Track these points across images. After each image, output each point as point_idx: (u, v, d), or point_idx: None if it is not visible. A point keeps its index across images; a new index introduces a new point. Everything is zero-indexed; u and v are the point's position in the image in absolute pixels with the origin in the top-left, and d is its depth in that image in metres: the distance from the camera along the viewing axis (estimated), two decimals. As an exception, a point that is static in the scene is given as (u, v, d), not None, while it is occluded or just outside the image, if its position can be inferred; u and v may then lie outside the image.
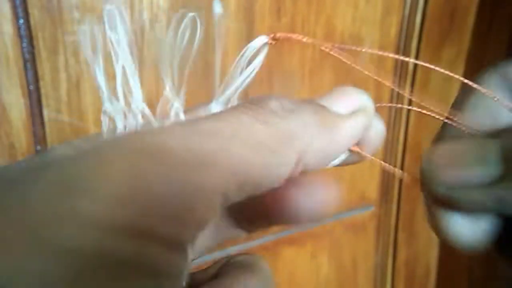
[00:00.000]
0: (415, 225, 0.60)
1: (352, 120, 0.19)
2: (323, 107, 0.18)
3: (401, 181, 0.57)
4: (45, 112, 0.35)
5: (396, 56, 0.21)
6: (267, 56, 0.42)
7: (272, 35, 0.21)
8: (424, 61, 0.22)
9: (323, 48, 0.22)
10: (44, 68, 0.34)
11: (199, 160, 0.14)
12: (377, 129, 0.21)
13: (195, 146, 0.14)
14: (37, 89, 0.35)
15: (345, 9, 0.45)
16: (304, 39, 0.21)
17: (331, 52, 0.22)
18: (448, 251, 0.63)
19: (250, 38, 0.41)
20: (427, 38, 0.51)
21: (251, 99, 0.18)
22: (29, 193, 0.13)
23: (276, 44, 0.21)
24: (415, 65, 0.51)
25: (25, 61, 0.34)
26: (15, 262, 0.12)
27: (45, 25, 0.33)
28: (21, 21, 0.33)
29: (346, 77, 0.48)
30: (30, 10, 0.33)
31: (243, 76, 0.21)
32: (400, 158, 0.56)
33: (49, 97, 0.35)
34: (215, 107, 0.21)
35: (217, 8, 0.20)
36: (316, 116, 0.17)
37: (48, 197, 0.13)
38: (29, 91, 0.35)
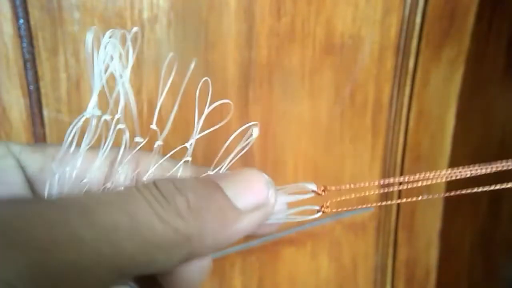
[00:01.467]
0: (415, 225, 0.60)
1: (250, 218, 0.19)
2: (227, 202, 0.19)
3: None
4: (45, 112, 0.35)
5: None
6: (267, 56, 0.42)
7: None
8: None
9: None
10: (44, 68, 0.34)
11: (86, 248, 0.15)
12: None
13: (82, 233, 0.15)
14: (37, 89, 0.35)
15: (345, 9, 0.45)
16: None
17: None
18: (448, 251, 0.63)
19: (250, 38, 0.41)
20: (427, 38, 0.51)
21: (160, 185, 0.17)
22: None
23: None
24: (415, 65, 0.51)
25: (25, 61, 0.34)
26: None
27: (45, 25, 0.33)
28: (21, 21, 0.33)
29: (346, 77, 0.48)
30: (30, 10, 0.33)
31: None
32: (400, 158, 0.56)
33: (49, 97, 0.35)
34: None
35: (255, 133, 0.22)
36: (218, 217, 0.18)
37: None
38: (29, 91, 0.35)
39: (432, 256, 0.63)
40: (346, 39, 0.46)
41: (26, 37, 0.33)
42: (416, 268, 0.62)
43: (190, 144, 0.22)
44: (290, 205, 0.23)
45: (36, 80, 0.34)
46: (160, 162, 0.22)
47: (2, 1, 0.32)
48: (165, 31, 0.37)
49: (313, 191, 0.24)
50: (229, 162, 0.22)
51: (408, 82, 0.52)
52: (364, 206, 0.23)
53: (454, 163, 0.59)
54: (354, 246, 0.56)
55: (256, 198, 0.20)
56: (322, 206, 0.24)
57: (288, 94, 0.45)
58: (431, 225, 0.62)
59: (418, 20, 0.50)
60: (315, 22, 0.44)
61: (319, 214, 0.24)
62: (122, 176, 0.21)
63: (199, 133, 0.22)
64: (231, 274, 0.48)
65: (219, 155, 0.22)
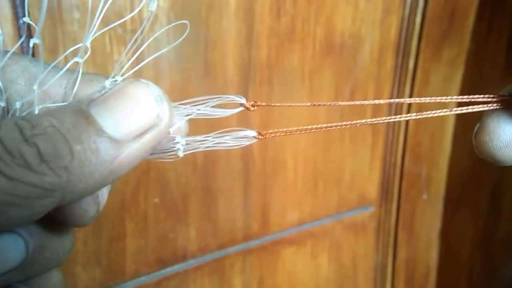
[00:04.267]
0: (415, 225, 0.60)
1: (136, 146, 0.16)
2: (99, 136, 0.15)
3: (401, 181, 0.57)
4: (45, 112, 0.35)
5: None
6: (267, 56, 0.42)
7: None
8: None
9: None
10: (44, 68, 0.34)
11: None
12: (181, 129, 0.19)
13: None
14: (37, 89, 0.35)
15: (345, 9, 0.45)
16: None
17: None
18: (448, 251, 0.63)
19: (250, 38, 0.41)
20: (427, 38, 0.51)
21: (3, 135, 0.15)
22: None
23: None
24: (415, 65, 0.51)
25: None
26: None
27: (45, 25, 0.33)
28: (21, 21, 0.33)
29: (346, 77, 0.48)
30: (30, 10, 0.33)
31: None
32: (400, 158, 0.55)
33: (49, 97, 0.35)
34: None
35: (152, 6, 0.19)
36: (87, 159, 0.15)
37: None
38: (29, 91, 0.35)
39: (432, 256, 0.63)
40: (346, 39, 0.46)
41: (26, 37, 0.33)
42: (416, 268, 0.62)
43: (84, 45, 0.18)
44: (213, 126, 0.19)
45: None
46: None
47: (2, 1, 0.32)
48: (165, 31, 0.37)
49: (241, 105, 0.20)
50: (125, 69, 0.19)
51: (408, 82, 0.52)
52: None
53: (454, 163, 0.59)
54: (354, 246, 0.56)
55: (142, 120, 0.16)
56: (259, 133, 0.20)
57: (288, 94, 0.45)
58: (431, 225, 0.62)
59: (418, 20, 0.50)
60: (315, 22, 0.44)
61: (253, 140, 0.19)
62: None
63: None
64: (231, 274, 0.48)
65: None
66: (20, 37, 0.33)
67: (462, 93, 0.55)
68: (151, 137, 0.16)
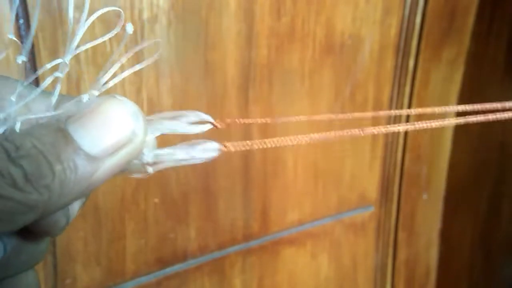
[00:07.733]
0: (415, 225, 0.60)
1: (112, 162, 0.17)
2: (77, 155, 0.16)
3: (401, 181, 0.57)
4: (45, 112, 0.35)
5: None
6: (267, 56, 0.42)
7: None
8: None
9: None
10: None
11: None
12: (149, 144, 0.19)
13: None
14: (37, 89, 0.35)
15: (345, 9, 0.45)
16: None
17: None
18: (448, 251, 0.63)
19: (250, 38, 0.41)
20: (427, 38, 0.51)
21: None
22: None
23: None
24: (415, 65, 0.51)
25: (25, 61, 0.34)
26: None
27: (45, 25, 0.33)
28: (21, 21, 0.33)
29: (346, 77, 0.48)
30: (30, 10, 0.33)
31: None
32: (400, 158, 0.56)
33: (49, 97, 0.35)
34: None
35: (129, 29, 0.19)
36: (66, 178, 0.16)
37: None
38: (29, 91, 0.34)
39: (432, 256, 0.63)
40: (346, 39, 0.46)
41: (26, 37, 0.33)
42: (416, 268, 0.62)
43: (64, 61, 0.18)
44: (179, 138, 0.20)
45: (36, 80, 0.34)
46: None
47: (2, 1, 0.32)
48: (165, 31, 0.37)
49: (209, 123, 0.20)
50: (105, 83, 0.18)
51: (408, 82, 0.52)
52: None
53: (454, 163, 0.59)
54: (354, 246, 0.56)
55: (117, 137, 0.17)
56: (224, 145, 0.20)
57: (288, 94, 0.45)
58: (431, 225, 0.62)
59: (418, 20, 0.50)
60: (315, 22, 0.44)
61: (218, 152, 0.20)
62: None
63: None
64: (231, 274, 0.48)
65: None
66: (20, 37, 0.33)
67: (462, 93, 0.55)
68: (126, 153, 0.17)
